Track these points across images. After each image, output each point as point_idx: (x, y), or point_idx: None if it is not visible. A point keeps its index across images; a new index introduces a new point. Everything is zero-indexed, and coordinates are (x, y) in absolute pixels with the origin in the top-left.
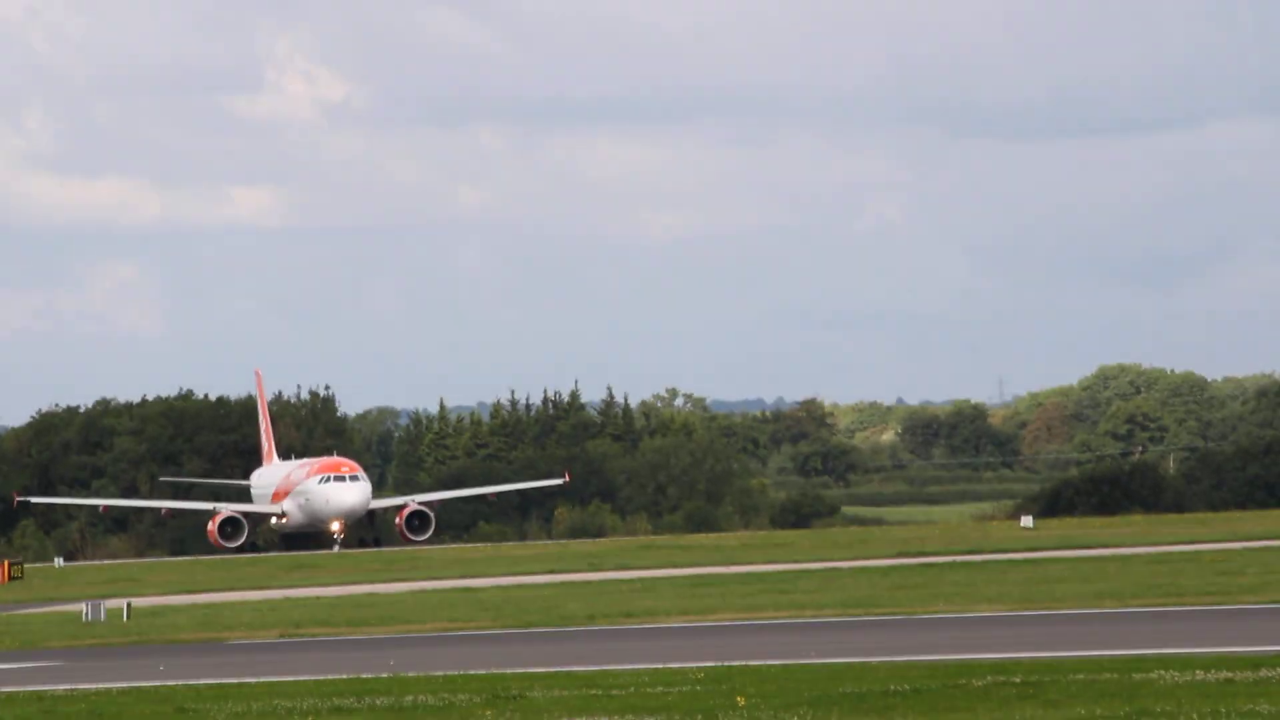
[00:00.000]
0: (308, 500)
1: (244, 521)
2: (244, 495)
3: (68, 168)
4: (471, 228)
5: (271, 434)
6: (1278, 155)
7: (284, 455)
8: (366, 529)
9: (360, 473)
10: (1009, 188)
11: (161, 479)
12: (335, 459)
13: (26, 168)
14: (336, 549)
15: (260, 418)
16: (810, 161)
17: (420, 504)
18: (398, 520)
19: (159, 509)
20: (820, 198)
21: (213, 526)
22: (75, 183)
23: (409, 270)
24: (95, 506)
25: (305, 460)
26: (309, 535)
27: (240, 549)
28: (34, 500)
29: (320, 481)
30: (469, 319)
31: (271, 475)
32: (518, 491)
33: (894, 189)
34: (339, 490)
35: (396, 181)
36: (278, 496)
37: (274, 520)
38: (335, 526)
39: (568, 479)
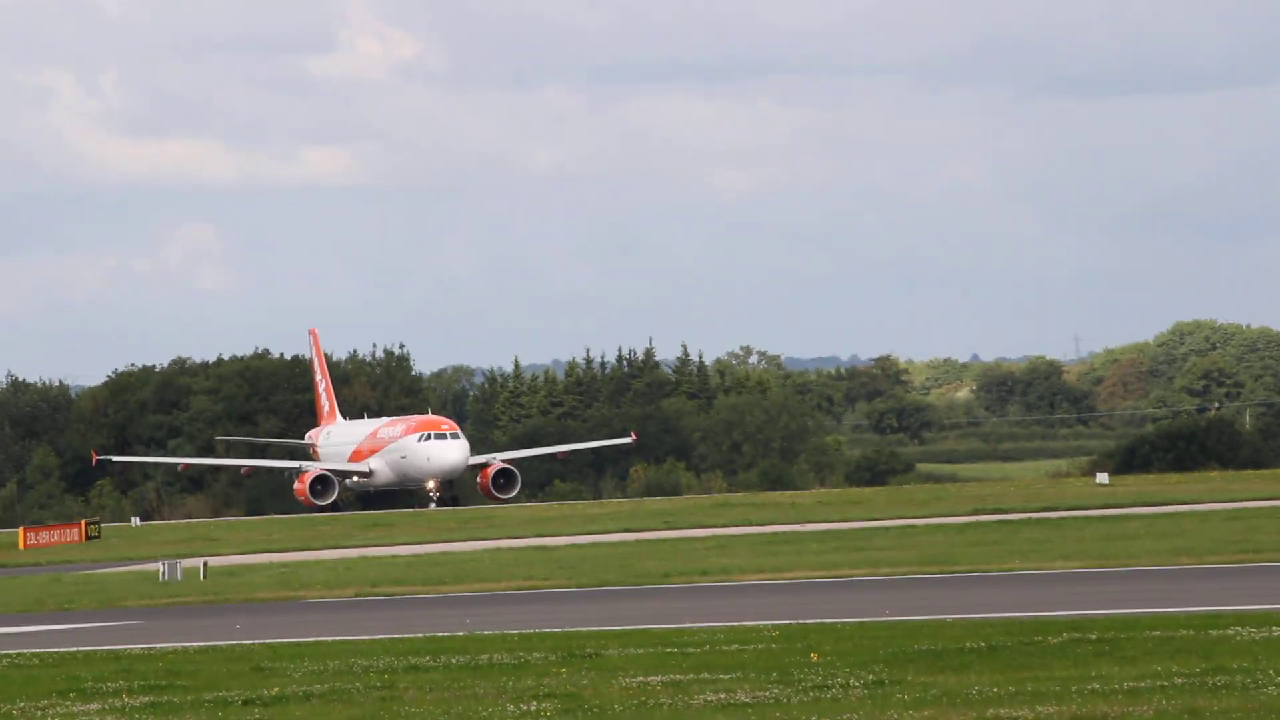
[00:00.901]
0: (406, 458)
1: (334, 479)
2: (300, 454)
3: (141, 129)
4: (544, 187)
5: (333, 393)
6: None
7: (355, 414)
8: (445, 487)
9: (459, 431)
10: (1085, 146)
11: (218, 438)
12: (433, 417)
13: (100, 130)
14: (433, 506)
15: (319, 377)
16: (885, 120)
17: (504, 462)
18: (481, 479)
19: (238, 468)
20: (895, 156)
21: (302, 485)
22: (148, 144)
23: (482, 229)
24: (173, 466)
25: (394, 418)
26: (389, 494)
27: (330, 507)
28: (114, 459)
29: (420, 439)
30: (543, 277)
31: (347, 433)
32: (592, 450)
33: (969, 147)
34: (441, 448)
35: (469, 140)
36: (358, 455)
37: (354, 479)
38: (431, 485)
39: (635, 438)
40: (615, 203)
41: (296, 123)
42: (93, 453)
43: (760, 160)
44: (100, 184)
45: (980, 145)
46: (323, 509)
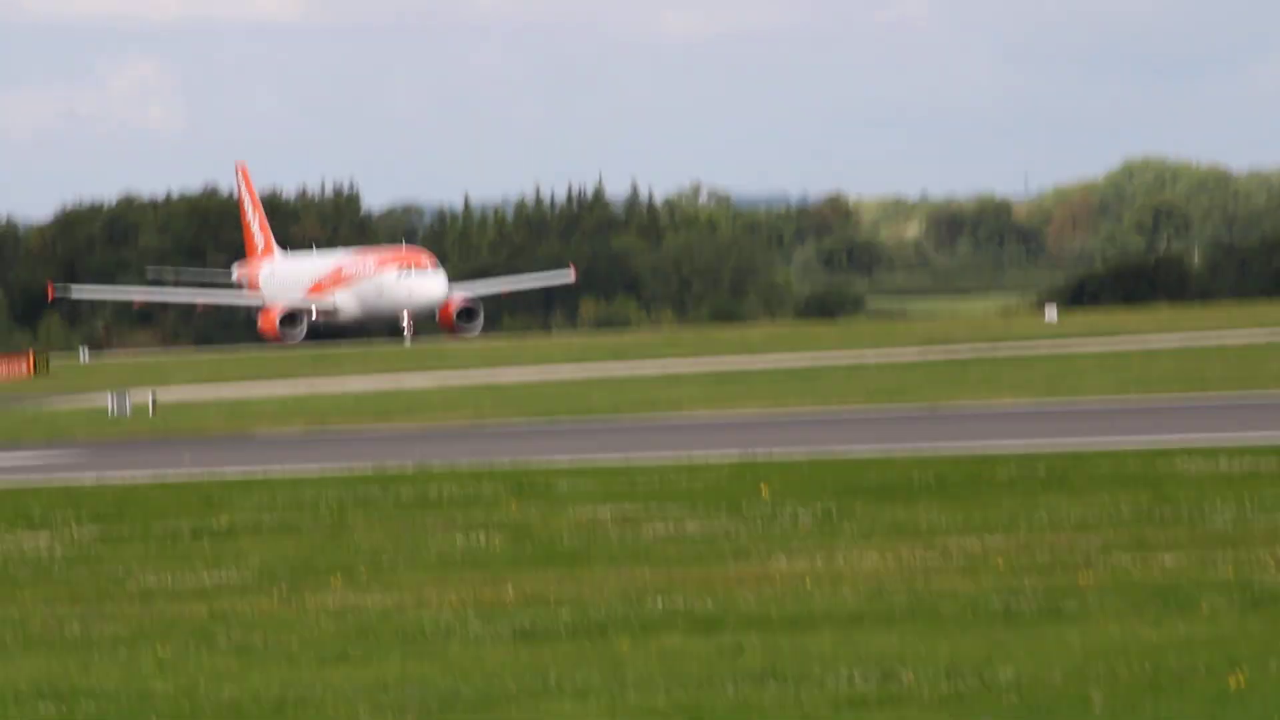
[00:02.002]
0: (382, 293)
1: (303, 313)
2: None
3: None
4: (492, 24)
5: (268, 227)
6: None
7: (301, 249)
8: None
9: (439, 264)
10: None
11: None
12: (409, 250)
13: None
14: (407, 342)
15: (250, 211)
16: None
17: (465, 298)
18: (443, 314)
19: (194, 304)
20: None
21: (270, 319)
22: None
23: (431, 67)
24: (122, 300)
25: (358, 250)
26: (345, 329)
27: (300, 342)
28: (74, 293)
29: (401, 274)
30: (492, 115)
31: (297, 268)
32: (543, 287)
33: None
34: (423, 282)
35: None
36: (318, 289)
37: (313, 314)
38: (405, 319)
39: (573, 269)
40: (565, 40)
41: None
42: (49, 284)
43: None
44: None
45: None
46: (295, 344)
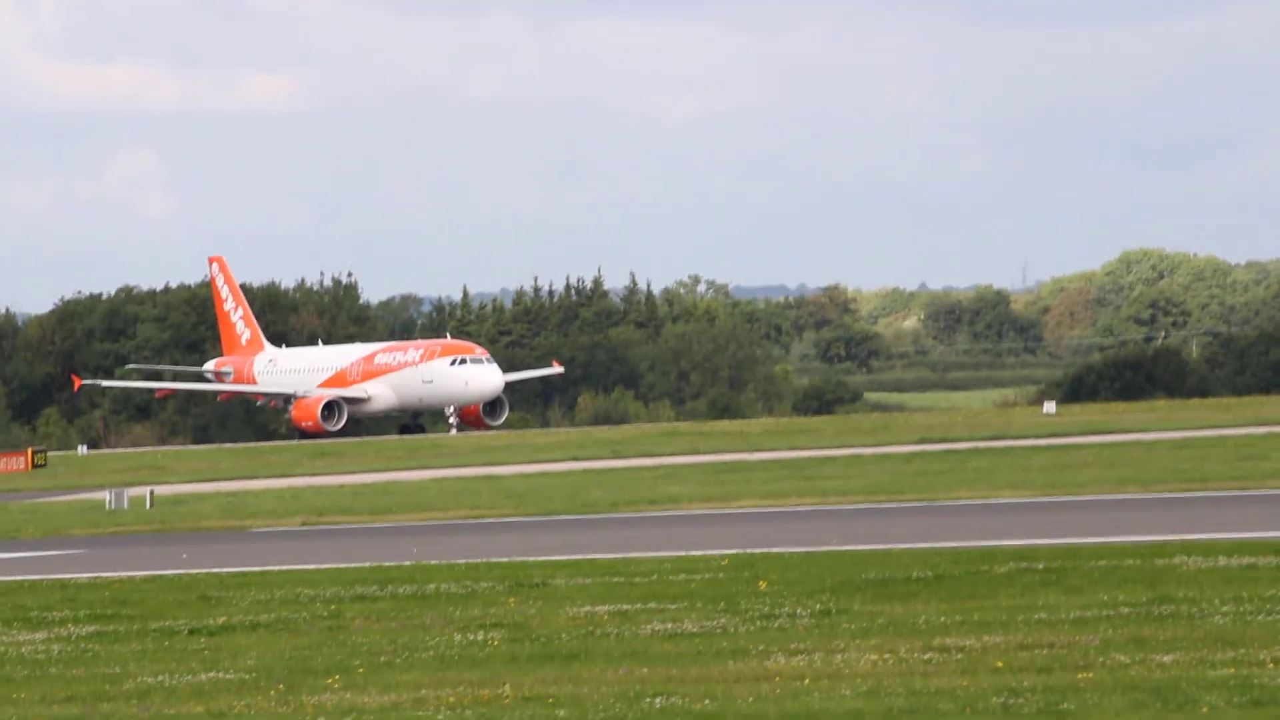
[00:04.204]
0: (433, 383)
1: (344, 404)
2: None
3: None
4: (489, 113)
5: (253, 320)
6: None
7: (306, 342)
8: (410, 415)
9: (491, 357)
10: (1032, 73)
11: (130, 365)
12: (459, 341)
13: (39, 54)
14: (454, 431)
15: (232, 304)
16: (826, 44)
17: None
18: (470, 407)
19: (214, 394)
20: (837, 81)
21: (311, 409)
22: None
23: (428, 156)
24: (120, 394)
25: (395, 343)
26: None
27: (339, 433)
28: (103, 384)
29: (455, 364)
30: (489, 206)
31: (305, 360)
32: (540, 379)
33: (911, 72)
34: (479, 373)
35: (413, 67)
36: (341, 380)
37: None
38: (451, 410)
39: (557, 365)
40: (561, 130)
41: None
42: (74, 378)
43: (706, 87)
44: (38, 109)
45: (922, 71)
46: (334, 434)
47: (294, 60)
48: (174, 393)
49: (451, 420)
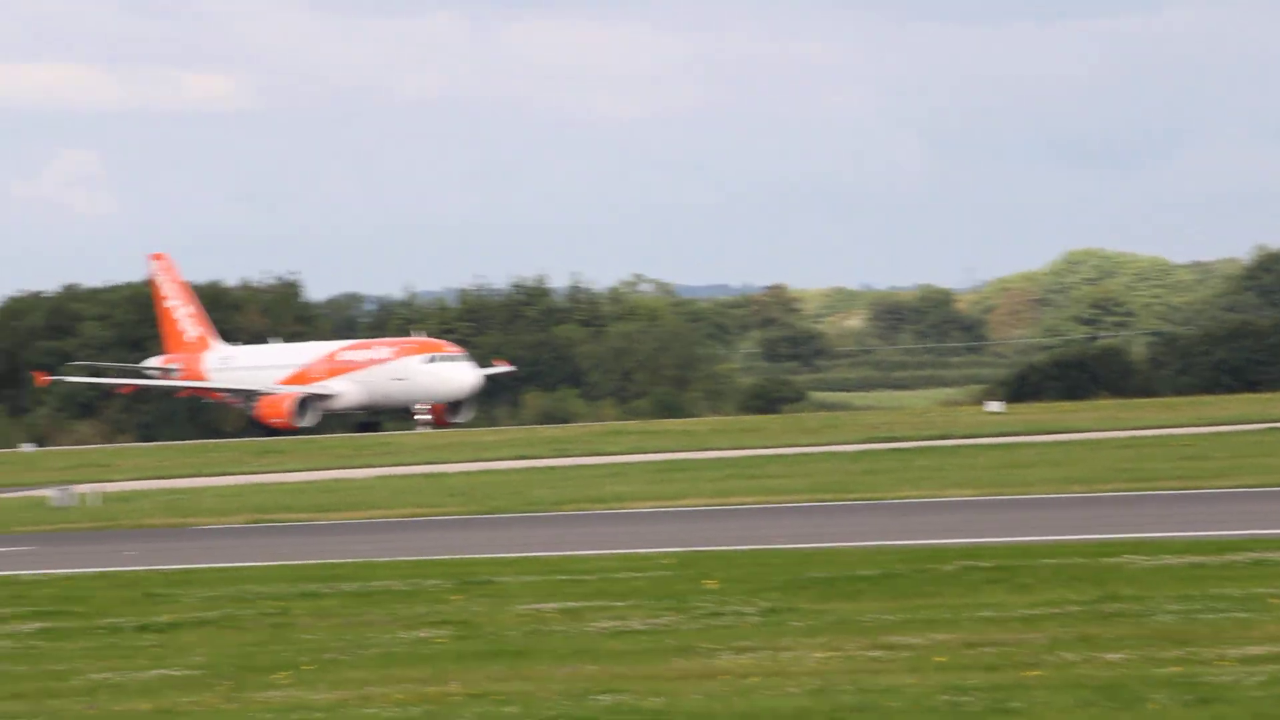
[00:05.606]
0: (404, 380)
1: (315, 401)
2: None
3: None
4: (429, 112)
5: (205, 318)
6: (1240, 36)
7: (250, 341)
8: (369, 413)
9: (465, 354)
10: (970, 71)
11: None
12: (428, 338)
13: None
14: (422, 429)
15: (177, 302)
16: (764, 45)
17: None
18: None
19: (173, 389)
20: (777, 81)
21: (284, 406)
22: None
23: (369, 155)
24: (63, 391)
25: (361, 341)
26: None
27: (311, 430)
28: (70, 379)
29: (428, 361)
30: (431, 203)
31: (263, 357)
32: (486, 377)
33: (851, 71)
34: (455, 370)
35: (352, 66)
36: (302, 379)
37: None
38: (419, 407)
39: (497, 363)
40: (502, 130)
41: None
42: (35, 374)
43: (645, 87)
44: None
45: (860, 71)
46: (306, 431)
47: (233, 59)
48: (137, 389)
49: (419, 418)
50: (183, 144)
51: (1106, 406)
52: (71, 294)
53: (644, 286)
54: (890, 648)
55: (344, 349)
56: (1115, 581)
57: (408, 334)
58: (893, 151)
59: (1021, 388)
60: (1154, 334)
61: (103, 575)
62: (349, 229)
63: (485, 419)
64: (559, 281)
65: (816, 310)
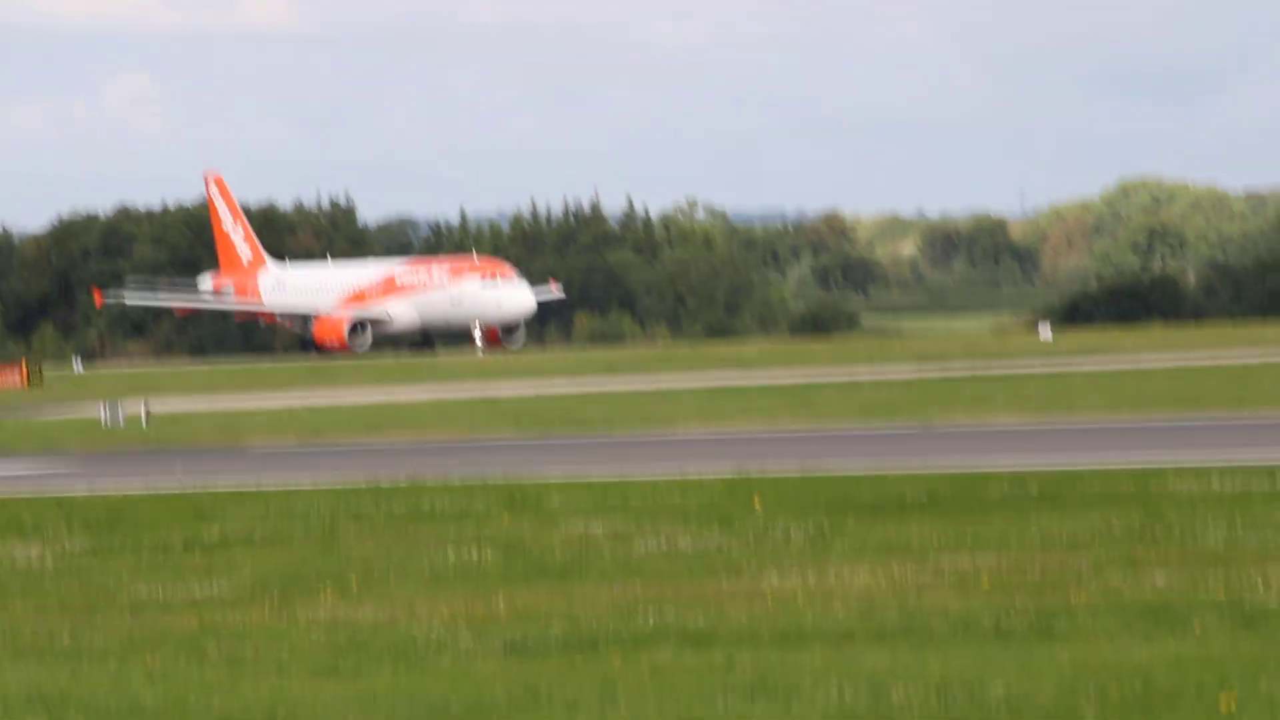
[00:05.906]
0: (463, 303)
1: (369, 324)
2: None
3: None
4: (487, 36)
5: (255, 238)
6: None
7: (297, 260)
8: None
9: (521, 276)
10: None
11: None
12: (484, 259)
13: None
14: (480, 352)
15: (232, 222)
16: None
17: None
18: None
19: (224, 313)
20: (835, 7)
21: (338, 329)
22: None
23: (425, 78)
24: (115, 310)
25: (415, 259)
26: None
27: (365, 352)
28: (128, 301)
29: (486, 285)
30: (487, 127)
31: (316, 279)
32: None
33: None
34: (512, 293)
35: None
36: (360, 299)
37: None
38: (478, 329)
39: (555, 288)
40: (559, 54)
41: None
42: (95, 291)
43: (705, 12)
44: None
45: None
46: (361, 354)
47: None
48: (192, 310)
49: (478, 340)
50: (239, 67)
51: (1158, 334)
52: (125, 215)
53: (698, 212)
54: (936, 570)
55: (401, 271)
56: (1162, 504)
57: (470, 252)
58: (950, 78)
59: (1074, 315)
60: (1207, 263)
61: (151, 494)
62: (403, 152)
63: (536, 341)
64: (613, 206)
65: (870, 237)
